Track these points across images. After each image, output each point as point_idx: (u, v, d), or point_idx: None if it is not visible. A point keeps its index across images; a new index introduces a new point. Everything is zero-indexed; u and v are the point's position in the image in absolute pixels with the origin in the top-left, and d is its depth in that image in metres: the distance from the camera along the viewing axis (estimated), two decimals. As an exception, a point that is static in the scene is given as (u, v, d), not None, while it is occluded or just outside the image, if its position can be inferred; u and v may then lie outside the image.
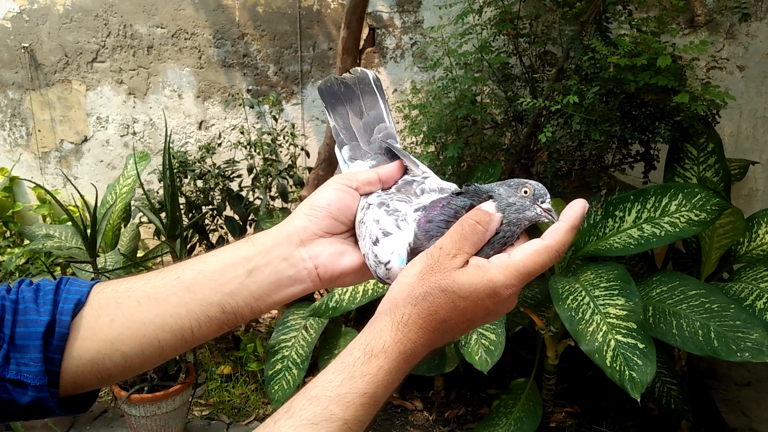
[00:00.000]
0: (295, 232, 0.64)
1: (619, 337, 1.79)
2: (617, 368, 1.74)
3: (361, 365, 0.54)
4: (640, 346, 1.75)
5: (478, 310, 0.57)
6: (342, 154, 0.72)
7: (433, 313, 0.56)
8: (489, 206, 0.60)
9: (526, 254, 0.57)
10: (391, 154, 0.71)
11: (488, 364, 1.95)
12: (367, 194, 0.67)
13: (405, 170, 0.70)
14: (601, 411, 2.57)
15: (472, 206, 0.61)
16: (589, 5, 2.30)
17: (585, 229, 2.26)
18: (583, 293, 1.95)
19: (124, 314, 0.61)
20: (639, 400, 1.68)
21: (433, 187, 0.67)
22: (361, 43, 2.96)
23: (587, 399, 2.63)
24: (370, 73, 0.74)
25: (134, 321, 0.61)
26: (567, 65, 2.41)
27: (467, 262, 0.57)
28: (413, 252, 0.61)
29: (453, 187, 0.67)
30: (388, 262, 0.62)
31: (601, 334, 1.82)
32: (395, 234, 0.62)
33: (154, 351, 0.62)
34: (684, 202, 2.05)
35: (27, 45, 3.44)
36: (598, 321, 1.85)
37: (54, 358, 0.59)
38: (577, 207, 0.58)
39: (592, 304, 1.90)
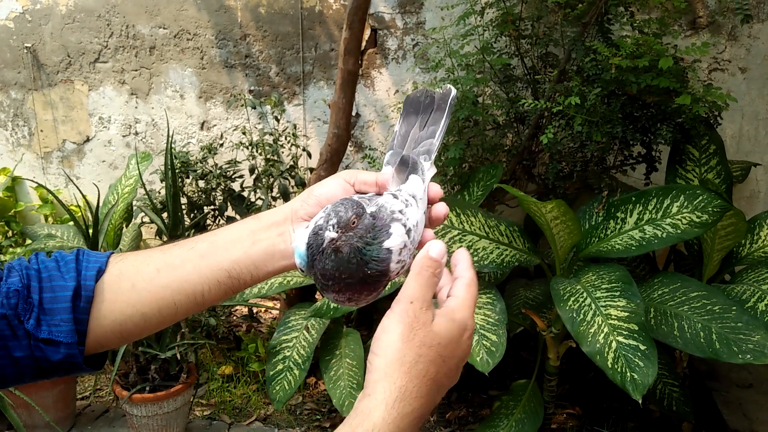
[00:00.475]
0: (291, 212, 0.70)
1: (620, 338, 1.79)
2: (618, 370, 1.74)
3: None
4: (642, 347, 1.76)
5: (459, 352, 0.60)
6: (385, 157, 0.75)
7: (426, 374, 0.56)
8: (436, 250, 0.61)
9: (466, 289, 0.61)
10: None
11: (489, 365, 1.95)
12: (362, 193, 0.70)
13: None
14: (603, 412, 2.57)
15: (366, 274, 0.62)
16: (591, 7, 2.31)
17: (586, 230, 2.26)
18: (585, 294, 1.95)
19: (144, 279, 0.68)
20: (640, 401, 1.68)
21: (378, 202, 0.66)
22: (363, 44, 2.96)
23: (588, 400, 2.63)
24: (454, 91, 0.76)
25: (154, 285, 0.68)
26: (569, 67, 2.41)
27: (433, 312, 0.59)
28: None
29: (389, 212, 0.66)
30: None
31: (602, 335, 1.82)
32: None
33: (170, 312, 0.69)
34: (686, 204, 2.05)
35: (30, 45, 3.45)
36: (600, 322, 1.85)
37: (82, 318, 0.66)
38: (462, 257, 0.64)
39: (593, 306, 1.90)
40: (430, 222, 0.71)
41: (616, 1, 2.36)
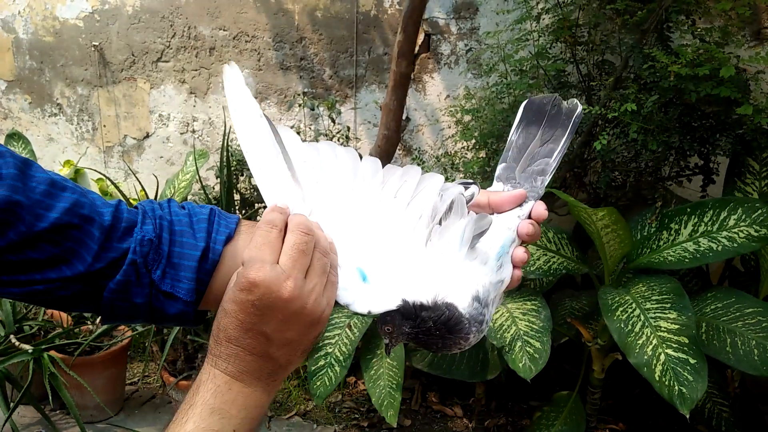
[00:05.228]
0: None
1: (669, 351, 1.74)
2: (666, 383, 1.69)
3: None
4: (692, 361, 1.70)
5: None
6: (496, 170, 0.70)
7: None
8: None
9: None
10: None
11: (532, 372, 1.93)
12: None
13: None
14: (647, 430, 2.50)
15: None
16: (651, 14, 2.26)
17: (638, 240, 2.21)
18: (634, 305, 1.91)
19: None
20: (688, 415, 1.63)
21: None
22: (416, 48, 2.98)
23: (633, 417, 2.56)
24: (580, 108, 0.70)
25: None
26: (625, 74, 2.37)
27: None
28: None
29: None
30: None
31: (650, 347, 1.77)
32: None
33: None
34: (743, 217, 1.99)
35: (97, 44, 3.61)
36: (648, 334, 1.80)
37: (204, 279, 0.67)
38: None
39: (642, 317, 1.86)
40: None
41: (677, 9, 2.31)
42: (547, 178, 0.67)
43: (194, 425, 0.54)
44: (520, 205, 0.66)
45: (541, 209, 0.66)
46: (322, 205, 0.66)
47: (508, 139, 0.71)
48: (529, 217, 0.66)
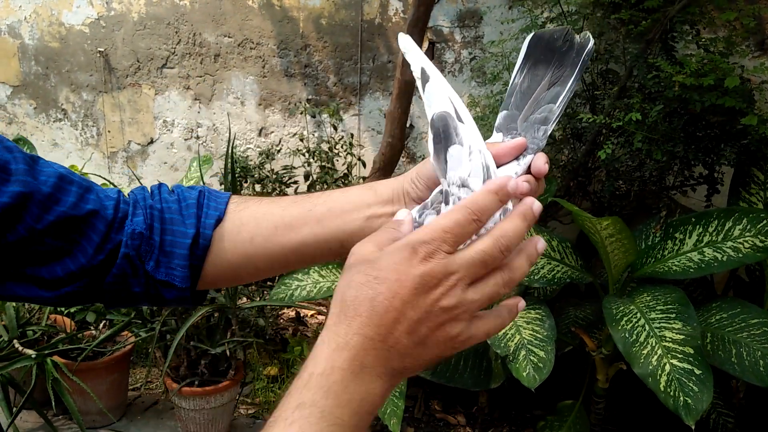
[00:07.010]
0: (403, 193, 0.66)
1: (674, 361, 1.74)
2: (671, 393, 1.69)
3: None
4: (697, 372, 1.70)
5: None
6: (497, 119, 0.63)
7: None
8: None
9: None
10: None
11: (536, 381, 1.92)
12: None
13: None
14: (652, 440, 2.49)
15: None
16: (655, 24, 2.27)
17: (642, 250, 2.21)
18: (639, 315, 1.90)
19: (262, 235, 0.69)
20: (693, 427, 1.62)
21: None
22: (421, 56, 2.99)
23: (637, 427, 2.55)
24: (592, 42, 0.60)
25: (270, 243, 0.69)
26: (630, 83, 2.38)
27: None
28: None
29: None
30: None
31: (655, 357, 1.77)
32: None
33: (281, 267, 0.72)
34: (749, 227, 1.99)
35: (102, 50, 3.62)
36: (653, 344, 1.80)
37: (196, 264, 0.69)
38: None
39: (647, 327, 1.85)
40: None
41: (682, 19, 2.32)
42: (550, 128, 0.59)
43: (299, 431, 0.47)
44: (518, 158, 0.59)
45: (540, 163, 0.59)
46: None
47: (510, 82, 0.62)
48: (529, 171, 0.59)
